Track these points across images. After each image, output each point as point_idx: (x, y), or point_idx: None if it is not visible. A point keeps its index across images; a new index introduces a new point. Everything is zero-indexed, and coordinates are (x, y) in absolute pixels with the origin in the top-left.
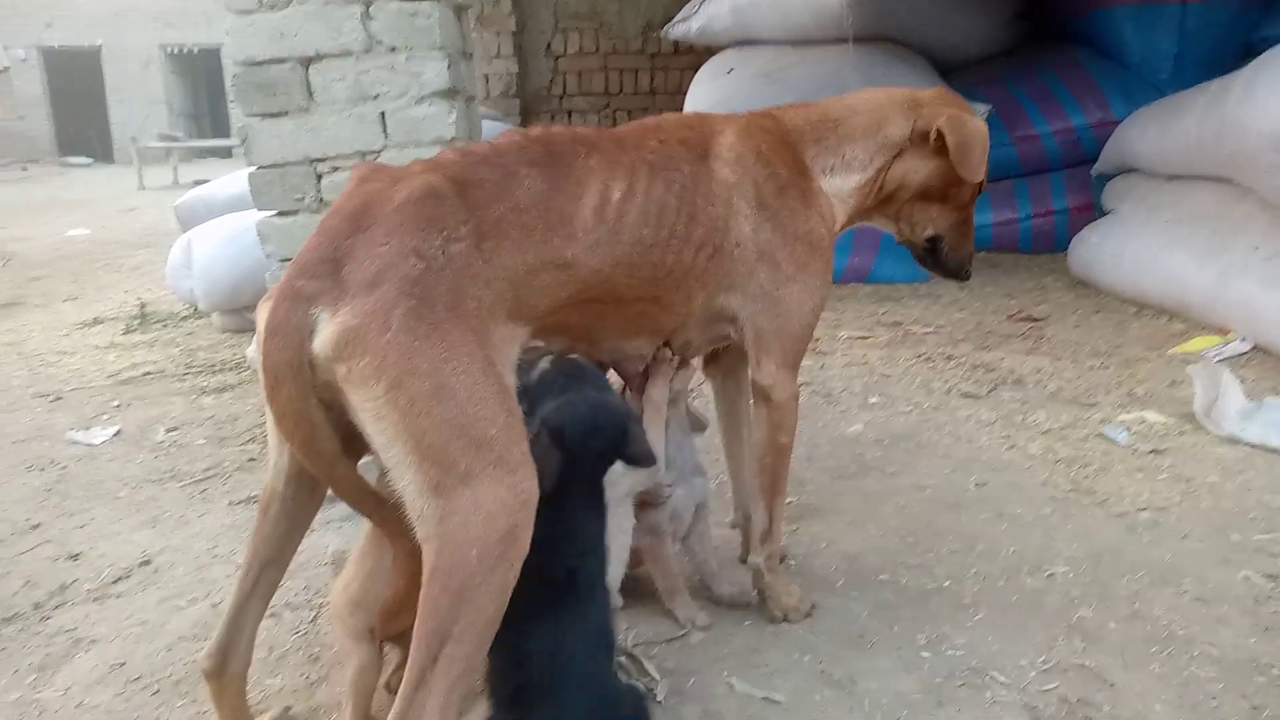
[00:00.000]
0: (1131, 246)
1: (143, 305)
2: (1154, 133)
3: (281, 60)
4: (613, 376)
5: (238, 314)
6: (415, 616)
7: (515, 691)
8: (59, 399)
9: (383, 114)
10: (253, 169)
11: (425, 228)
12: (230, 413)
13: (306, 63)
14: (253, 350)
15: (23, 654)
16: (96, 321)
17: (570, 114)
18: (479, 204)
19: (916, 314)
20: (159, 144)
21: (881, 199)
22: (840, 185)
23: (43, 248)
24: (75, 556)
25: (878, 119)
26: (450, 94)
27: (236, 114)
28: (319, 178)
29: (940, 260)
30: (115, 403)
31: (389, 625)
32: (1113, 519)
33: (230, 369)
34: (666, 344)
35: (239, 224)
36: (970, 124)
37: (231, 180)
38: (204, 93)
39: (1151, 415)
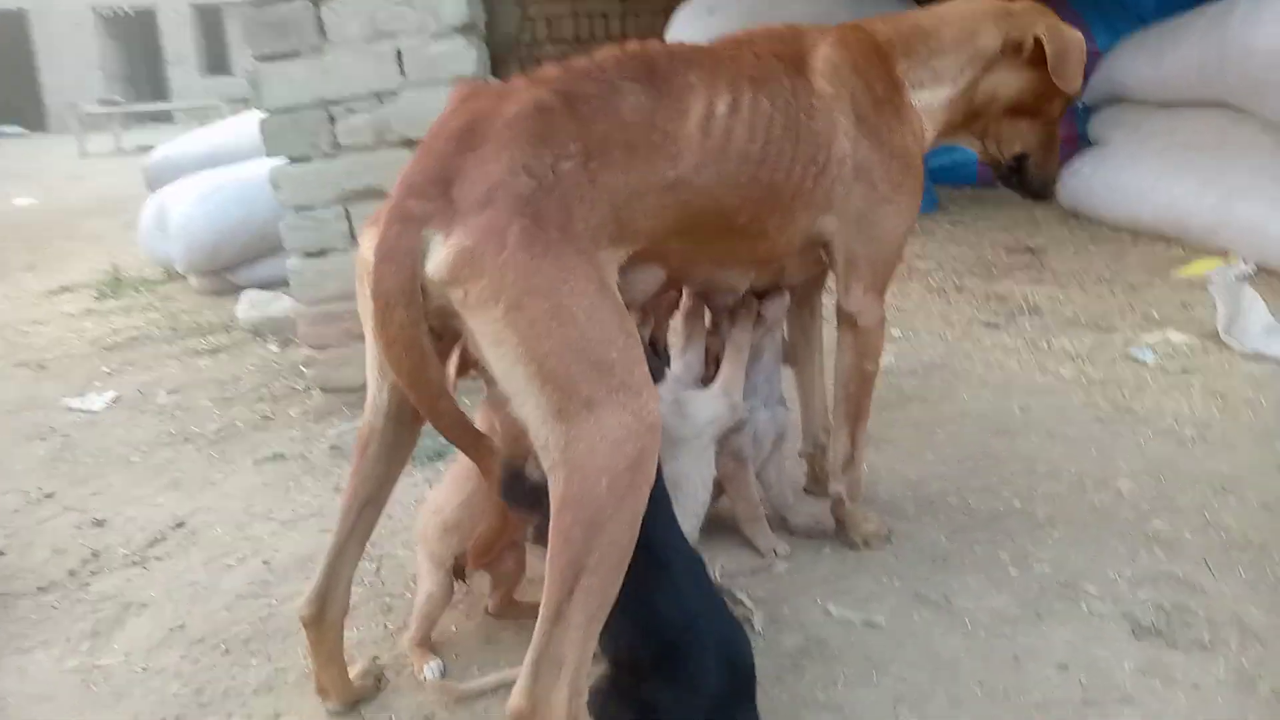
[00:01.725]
0: (1126, 175)
1: (116, 270)
2: (1146, 61)
3: None
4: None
5: (217, 275)
6: (503, 547)
7: (656, 658)
8: (43, 367)
9: (399, 51)
10: (263, 114)
11: (536, 144)
12: (231, 373)
13: (318, 0)
14: (242, 309)
15: (70, 622)
16: (64, 290)
17: (540, 62)
18: (587, 120)
19: (915, 249)
20: (100, 109)
21: (970, 114)
22: (930, 100)
23: None
24: (100, 522)
25: (969, 30)
26: (469, 29)
27: (177, 76)
28: (333, 120)
29: (1026, 179)
30: (105, 369)
31: (480, 558)
32: (1160, 435)
33: (220, 330)
34: (753, 292)
35: (214, 181)
36: (1068, 33)
37: (199, 137)
38: (140, 55)
39: (1174, 335)
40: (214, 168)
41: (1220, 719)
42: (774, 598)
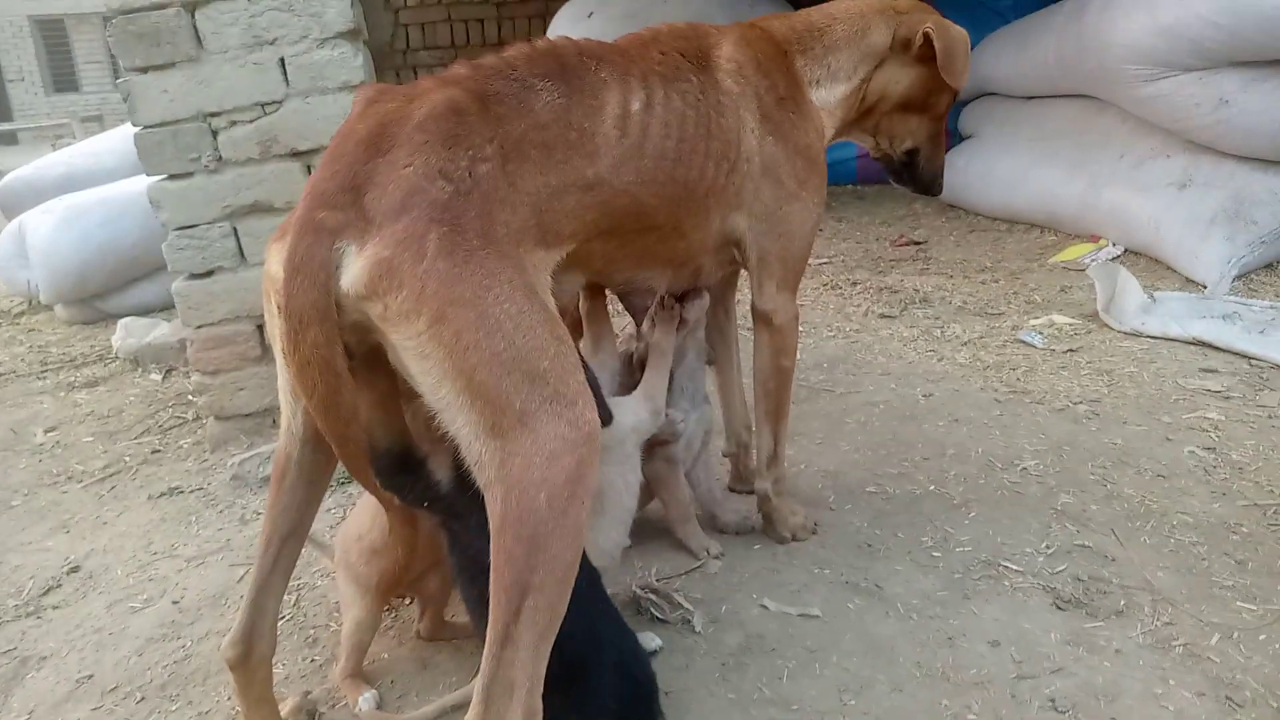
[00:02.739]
0: (1000, 167)
1: None
2: (1010, 56)
3: (163, 6)
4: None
5: (85, 304)
6: (415, 578)
7: (561, 677)
8: None
9: (282, 59)
10: (138, 129)
11: (450, 147)
12: (112, 406)
13: (192, 7)
14: (118, 338)
15: None
16: None
17: (415, 69)
18: (502, 120)
19: None
20: None
21: (863, 111)
22: (827, 97)
23: None
24: None
25: (860, 27)
26: (354, 34)
27: (19, 94)
28: (215, 134)
29: (916, 174)
30: None
31: (392, 591)
32: (1056, 414)
33: (94, 362)
34: (673, 295)
35: (76, 204)
36: (954, 29)
37: (54, 159)
38: None
39: (1058, 318)
40: (74, 190)
41: (1143, 680)
42: (711, 597)
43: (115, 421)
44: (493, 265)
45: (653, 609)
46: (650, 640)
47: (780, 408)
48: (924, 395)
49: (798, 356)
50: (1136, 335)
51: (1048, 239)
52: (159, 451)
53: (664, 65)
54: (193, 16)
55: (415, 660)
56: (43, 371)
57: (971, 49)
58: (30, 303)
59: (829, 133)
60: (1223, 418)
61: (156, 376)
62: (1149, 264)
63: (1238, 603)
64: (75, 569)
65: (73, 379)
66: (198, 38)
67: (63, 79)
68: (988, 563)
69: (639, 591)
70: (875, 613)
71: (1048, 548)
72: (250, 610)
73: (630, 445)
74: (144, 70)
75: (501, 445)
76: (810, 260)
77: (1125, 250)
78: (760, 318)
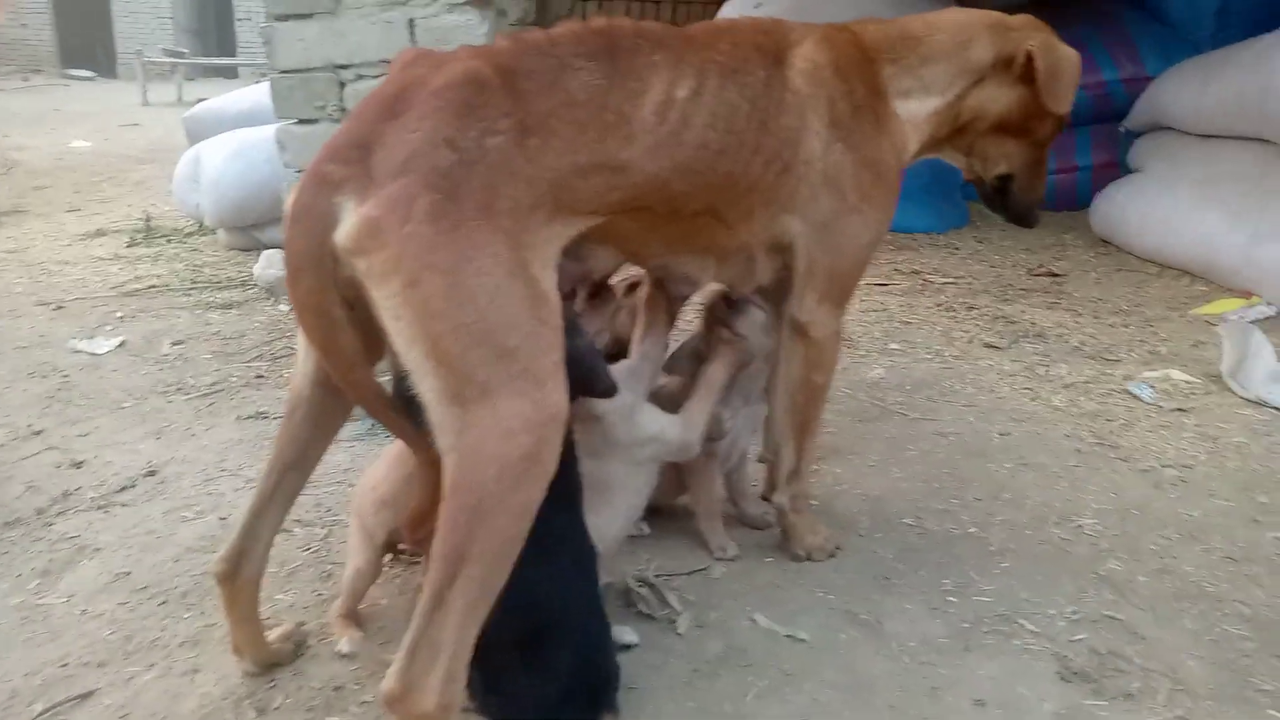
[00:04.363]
0: (1160, 205)
1: (148, 218)
2: (1191, 90)
3: None
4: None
5: (244, 231)
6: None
7: (521, 639)
8: (61, 308)
9: (411, 21)
10: (274, 74)
11: (462, 116)
12: (237, 329)
13: None
14: (260, 268)
15: (25, 559)
16: (99, 233)
17: None
18: (526, 96)
19: (935, 264)
20: (164, 60)
21: (956, 129)
22: (915, 110)
23: (45, 158)
24: (79, 464)
25: (961, 40)
26: (484, 3)
27: (244, 32)
28: (342, 85)
29: (1009, 202)
30: (119, 314)
31: (415, 534)
32: (1139, 474)
33: (236, 286)
34: (728, 327)
35: (248, 138)
36: (1062, 51)
37: (242, 95)
38: (210, 10)
39: (1176, 373)
40: (253, 125)
41: None
42: (704, 602)
43: (235, 344)
44: (481, 238)
45: (641, 604)
46: (626, 634)
47: (808, 424)
48: (1000, 433)
49: (879, 373)
50: (1260, 404)
51: (1197, 289)
52: (262, 377)
53: (729, 56)
54: None
55: (410, 611)
56: (189, 289)
57: (1155, 79)
58: (199, 225)
59: (912, 148)
60: None
61: (284, 307)
62: None
63: (1269, 710)
64: (152, 473)
65: (212, 299)
66: None
67: None
68: (1003, 617)
69: (632, 584)
70: (866, 648)
71: (1074, 613)
72: (244, 532)
73: (643, 455)
74: (285, 18)
75: (461, 414)
76: (933, 279)
77: (1279, 312)
78: (796, 328)
